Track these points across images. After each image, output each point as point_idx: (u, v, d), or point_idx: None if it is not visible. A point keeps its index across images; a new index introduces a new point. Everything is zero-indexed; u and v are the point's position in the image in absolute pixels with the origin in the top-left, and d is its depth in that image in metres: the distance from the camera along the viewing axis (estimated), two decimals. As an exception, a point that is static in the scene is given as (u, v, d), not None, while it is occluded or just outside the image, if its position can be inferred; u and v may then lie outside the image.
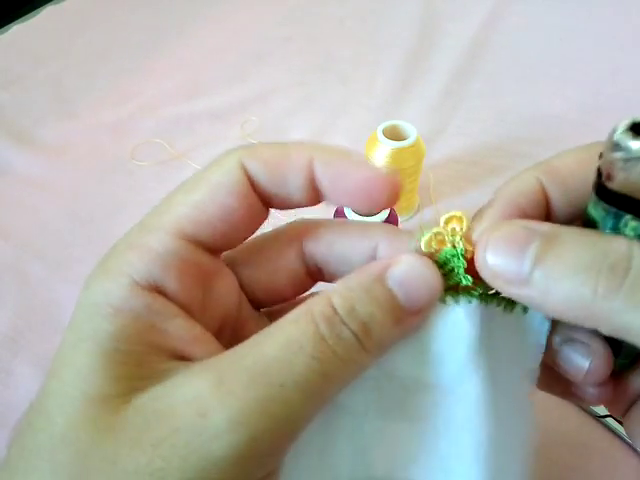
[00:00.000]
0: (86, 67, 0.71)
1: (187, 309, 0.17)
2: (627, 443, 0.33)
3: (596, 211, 0.16)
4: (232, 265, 0.20)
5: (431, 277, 0.17)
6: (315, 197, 0.19)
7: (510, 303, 0.18)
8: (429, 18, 0.76)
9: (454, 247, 0.17)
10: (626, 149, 0.14)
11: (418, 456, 0.19)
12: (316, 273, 0.21)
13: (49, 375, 0.16)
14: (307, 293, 0.22)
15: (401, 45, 0.72)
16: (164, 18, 0.81)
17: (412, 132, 0.44)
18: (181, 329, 0.17)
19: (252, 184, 0.18)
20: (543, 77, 0.66)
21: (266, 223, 0.20)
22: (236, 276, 0.20)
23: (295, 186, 0.18)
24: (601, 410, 0.34)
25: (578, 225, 0.17)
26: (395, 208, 0.41)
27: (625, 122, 0.14)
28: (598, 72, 0.66)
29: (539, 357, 0.18)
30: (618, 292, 0.13)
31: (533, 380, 0.19)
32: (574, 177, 0.17)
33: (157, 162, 0.56)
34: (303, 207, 0.19)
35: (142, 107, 0.64)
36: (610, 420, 0.34)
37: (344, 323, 0.16)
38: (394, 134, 0.45)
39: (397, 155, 0.44)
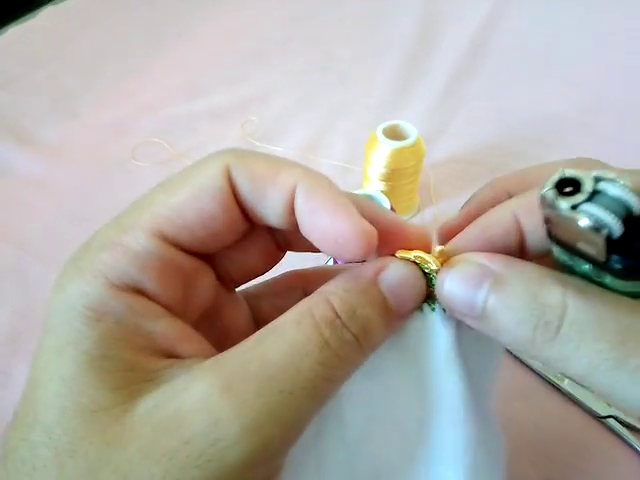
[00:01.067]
0: (86, 67, 0.71)
1: (169, 308, 0.17)
2: (628, 443, 0.33)
3: (555, 249, 0.16)
4: (208, 257, 0.20)
5: (419, 285, 0.18)
6: (293, 224, 0.18)
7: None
8: (429, 18, 0.76)
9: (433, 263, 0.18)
10: (552, 207, 0.13)
11: (401, 459, 0.19)
12: (284, 244, 0.21)
13: (31, 384, 0.16)
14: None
15: (401, 45, 0.72)
16: (164, 18, 0.81)
17: (412, 132, 0.44)
18: (167, 328, 0.16)
19: (234, 193, 0.17)
20: (543, 77, 0.66)
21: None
22: (212, 265, 0.20)
23: (274, 206, 0.17)
24: (602, 410, 0.34)
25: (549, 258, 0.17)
26: (395, 208, 0.41)
27: (553, 177, 0.13)
28: (598, 72, 0.66)
29: (498, 366, 0.20)
30: (551, 346, 0.15)
31: (493, 393, 0.20)
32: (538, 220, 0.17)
33: (157, 162, 0.56)
34: (282, 229, 0.19)
35: (142, 107, 0.64)
36: (611, 420, 0.34)
37: (345, 326, 0.16)
38: (394, 134, 0.44)
39: (397, 155, 0.44)
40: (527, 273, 0.16)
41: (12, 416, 0.16)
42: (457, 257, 0.18)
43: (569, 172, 0.13)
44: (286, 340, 0.16)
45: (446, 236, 0.20)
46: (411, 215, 0.49)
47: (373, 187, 0.46)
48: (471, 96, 0.63)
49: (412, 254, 0.18)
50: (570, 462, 0.33)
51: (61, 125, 0.62)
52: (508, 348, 0.18)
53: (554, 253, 0.16)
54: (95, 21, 0.81)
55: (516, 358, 0.37)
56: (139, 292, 0.16)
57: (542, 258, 0.18)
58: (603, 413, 0.34)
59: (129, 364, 0.15)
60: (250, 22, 0.80)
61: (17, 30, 0.78)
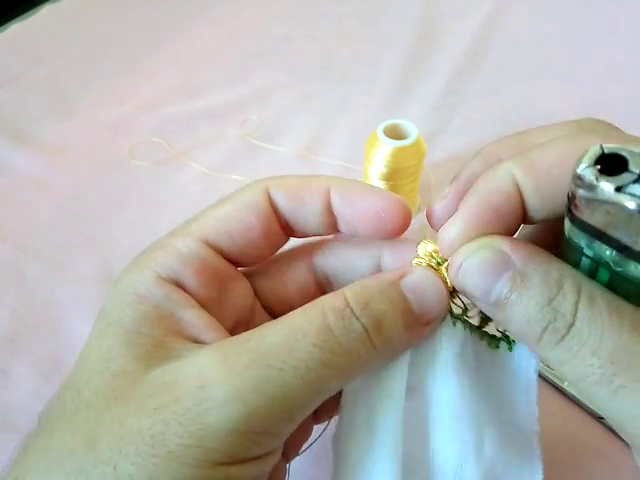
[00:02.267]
0: (85, 66, 0.71)
1: (203, 302, 0.19)
2: (628, 444, 0.33)
3: (571, 230, 0.15)
4: (248, 275, 0.22)
5: (442, 290, 0.18)
6: (331, 225, 0.21)
7: (494, 339, 0.19)
8: (430, 17, 0.76)
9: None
10: (590, 188, 0.12)
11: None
12: (325, 285, 0.23)
13: (78, 359, 0.18)
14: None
15: (402, 44, 0.71)
16: (163, 17, 0.81)
17: (413, 131, 0.44)
18: (195, 317, 0.19)
19: (274, 208, 0.20)
20: (544, 76, 0.66)
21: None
22: (252, 285, 0.22)
23: (312, 211, 0.20)
24: (603, 411, 0.34)
25: (553, 227, 0.17)
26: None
27: (591, 153, 0.12)
28: (600, 71, 0.66)
29: (533, 396, 0.20)
30: (553, 349, 0.16)
31: (534, 426, 0.20)
32: (550, 177, 0.17)
33: (156, 161, 0.56)
34: (320, 235, 0.21)
35: (141, 106, 0.64)
36: (612, 421, 0.34)
37: (355, 316, 0.16)
38: (395, 133, 0.44)
39: (398, 154, 0.43)
40: (548, 273, 0.16)
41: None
42: (479, 240, 0.17)
43: (610, 147, 0.12)
44: (287, 324, 0.17)
45: (439, 216, 0.20)
46: (412, 215, 0.49)
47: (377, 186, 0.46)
48: (472, 95, 0.63)
49: (426, 247, 0.18)
50: (570, 462, 0.33)
51: (59, 124, 0.61)
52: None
53: (567, 233, 0.15)
54: (94, 20, 0.81)
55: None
56: (179, 285, 0.19)
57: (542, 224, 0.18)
58: (604, 414, 0.34)
59: (157, 341, 0.17)
60: (250, 20, 0.79)
61: (16, 28, 0.78)
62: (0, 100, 0.65)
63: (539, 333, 0.16)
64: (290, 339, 0.16)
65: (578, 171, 0.12)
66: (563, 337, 0.15)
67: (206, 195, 0.52)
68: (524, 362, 0.19)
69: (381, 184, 0.46)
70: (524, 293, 0.16)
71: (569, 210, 0.14)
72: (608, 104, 0.61)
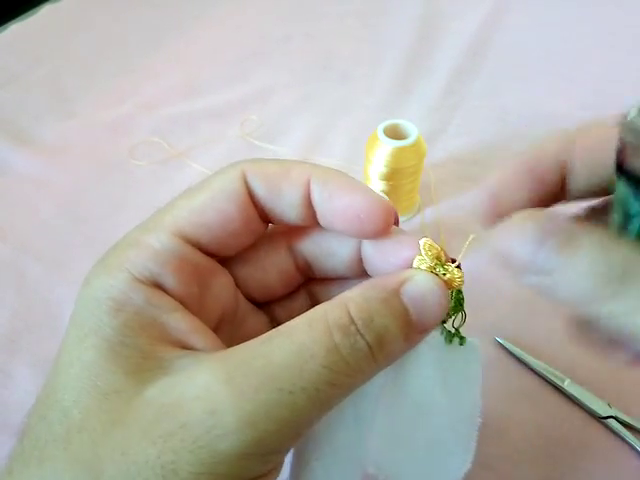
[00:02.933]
0: (84, 66, 0.71)
1: (184, 303, 0.18)
2: (628, 443, 0.33)
3: (620, 188, 0.15)
4: (227, 265, 0.21)
5: (444, 300, 0.17)
6: (311, 217, 0.19)
7: (449, 334, 0.19)
8: (430, 17, 0.76)
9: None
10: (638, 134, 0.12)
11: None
12: (305, 269, 0.22)
13: (54, 371, 0.17)
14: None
15: (402, 44, 0.71)
16: (163, 17, 0.81)
17: (413, 131, 0.44)
18: (180, 321, 0.17)
19: (251, 195, 0.19)
20: (544, 76, 0.66)
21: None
22: (231, 275, 0.21)
23: (290, 201, 0.19)
24: (603, 411, 0.34)
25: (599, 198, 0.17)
26: (396, 208, 0.41)
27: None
28: (600, 70, 0.66)
29: (478, 388, 0.20)
30: (613, 300, 0.15)
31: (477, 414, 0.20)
32: (594, 157, 0.17)
33: (156, 161, 0.56)
34: (299, 226, 0.20)
35: (141, 106, 0.64)
36: (611, 421, 0.34)
37: (360, 334, 0.16)
38: (395, 133, 0.44)
39: (398, 154, 0.43)
40: (592, 233, 0.16)
41: (35, 401, 0.17)
42: (521, 214, 0.17)
43: None
44: (294, 341, 0.16)
45: (500, 193, 0.19)
46: (411, 215, 0.49)
47: (373, 186, 0.46)
48: (472, 95, 0.63)
49: (425, 244, 0.18)
50: (570, 462, 0.33)
51: (59, 124, 0.61)
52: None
53: (618, 189, 0.15)
54: (94, 20, 0.81)
55: (517, 360, 0.37)
56: (157, 286, 0.18)
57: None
58: (604, 414, 0.34)
59: (144, 352, 0.16)
60: (250, 20, 0.79)
61: (16, 28, 0.78)
62: (0, 100, 0.65)
63: (596, 289, 0.15)
64: (299, 360, 0.15)
65: (629, 118, 0.13)
66: (621, 287, 0.15)
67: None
68: (471, 356, 0.20)
69: (381, 184, 0.46)
70: (573, 253, 0.15)
71: (618, 166, 0.14)
72: (608, 104, 0.60)
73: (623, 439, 0.33)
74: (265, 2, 0.83)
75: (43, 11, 0.81)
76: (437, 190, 0.51)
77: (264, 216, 0.20)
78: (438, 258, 0.18)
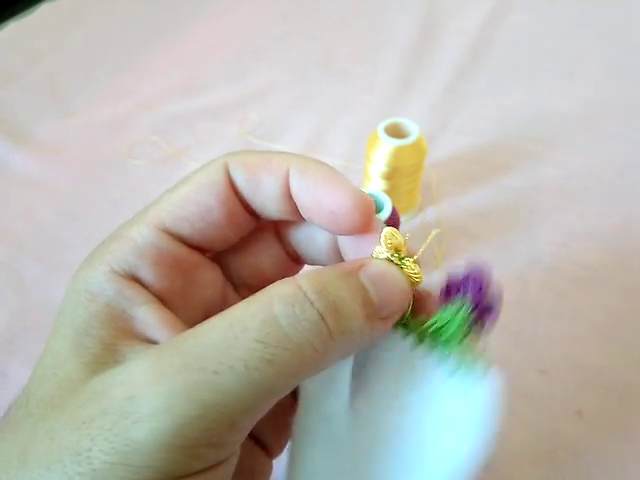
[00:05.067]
0: (82, 65, 0.71)
1: (162, 297, 0.18)
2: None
3: None
4: (217, 256, 0.20)
5: (403, 282, 0.16)
6: (293, 210, 0.18)
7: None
8: (431, 15, 0.76)
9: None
10: None
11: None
12: (296, 257, 0.21)
13: (36, 362, 0.17)
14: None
15: (403, 42, 0.71)
16: (161, 15, 0.80)
17: (414, 130, 0.44)
18: (148, 314, 0.17)
19: (234, 188, 0.18)
20: (546, 75, 0.65)
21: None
22: (222, 267, 0.20)
23: (270, 195, 0.18)
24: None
25: None
26: (397, 207, 0.41)
27: None
28: (601, 69, 0.65)
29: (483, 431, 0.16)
30: None
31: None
32: None
33: (154, 160, 0.56)
34: (281, 219, 0.19)
35: (139, 105, 0.63)
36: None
37: (310, 301, 0.14)
38: (396, 132, 0.44)
39: (399, 153, 0.43)
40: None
41: None
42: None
43: None
44: (227, 318, 0.15)
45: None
46: (412, 214, 0.49)
47: (374, 186, 0.46)
48: (473, 94, 0.63)
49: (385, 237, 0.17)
50: (570, 463, 0.33)
51: (58, 123, 0.61)
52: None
53: None
54: (92, 18, 0.80)
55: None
56: (135, 279, 0.17)
57: None
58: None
59: (105, 343, 0.16)
60: (249, 18, 0.79)
61: (15, 27, 0.77)
62: (-2, 99, 0.65)
63: None
64: (228, 335, 0.14)
65: None
66: None
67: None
68: (481, 388, 0.16)
69: (382, 183, 0.45)
70: None
71: None
72: (609, 102, 0.60)
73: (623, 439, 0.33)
74: (264, 0, 0.83)
75: (41, 10, 0.81)
76: (438, 189, 0.51)
77: (251, 210, 0.19)
78: (397, 250, 0.17)
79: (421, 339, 0.17)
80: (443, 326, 0.16)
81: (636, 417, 0.34)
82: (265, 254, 0.21)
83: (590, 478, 0.32)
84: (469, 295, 0.16)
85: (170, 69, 0.69)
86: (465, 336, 0.16)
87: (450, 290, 0.17)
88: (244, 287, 0.21)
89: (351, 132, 0.58)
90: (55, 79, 0.68)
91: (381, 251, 0.17)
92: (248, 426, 0.15)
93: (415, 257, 0.17)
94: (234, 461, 0.16)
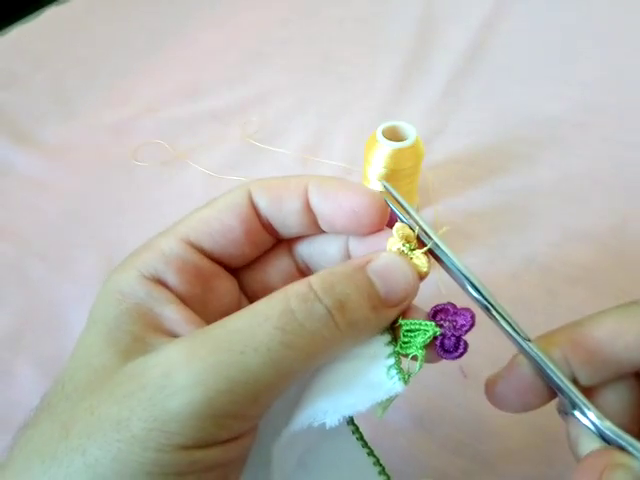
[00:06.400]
0: (87, 68, 0.72)
1: (185, 299, 0.20)
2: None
3: None
4: (234, 271, 0.23)
5: (408, 271, 0.19)
6: (312, 223, 0.21)
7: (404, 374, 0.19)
8: (428, 19, 0.77)
9: None
10: None
11: None
12: (306, 271, 0.23)
13: (70, 356, 0.19)
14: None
15: (400, 46, 0.72)
16: (165, 19, 0.81)
17: (411, 133, 0.44)
18: (174, 312, 0.19)
19: (256, 210, 0.21)
20: (542, 78, 0.66)
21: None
22: (238, 280, 0.23)
23: (291, 210, 0.21)
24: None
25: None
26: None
27: None
28: (597, 72, 0.66)
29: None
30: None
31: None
32: (600, 350, 0.19)
33: (158, 163, 0.57)
34: (299, 234, 0.22)
35: (143, 108, 0.64)
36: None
37: (318, 298, 0.17)
38: (393, 135, 0.45)
39: (396, 156, 0.44)
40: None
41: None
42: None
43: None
44: (251, 310, 0.17)
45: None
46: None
47: (372, 188, 0.47)
48: (470, 97, 0.64)
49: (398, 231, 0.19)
50: (570, 462, 0.33)
51: (62, 126, 0.62)
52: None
53: None
54: (96, 22, 0.81)
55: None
56: (161, 283, 0.20)
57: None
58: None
59: (136, 337, 0.18)
60: (250, 23, 0.80)
61: (20, 30, 0.78)
62: (3, 102, 0.66)
63: None
64: (252, 323, 0.16)
65: None
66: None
67: (207, 196, 0.51)
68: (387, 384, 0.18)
69: (380, 185, 0.46)
70: None
71: None
72: (606, 106, 0.61)
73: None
74: (265, 5, 0.84)
75: (46, 13, 0.82)
76: (435, 191, 0.51)
77: (270, 230, 0.22)
78: (408, 240, 0.19)
79: (393, 333, 0.19)
80: (415, 331, 0.19)
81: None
82: (277, 270, 0.23)
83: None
84: (450, 324, 0.19)
85: (173, 73, 0.70)
86: (421, 348, 0.18)
87: (438, 312, 0.19)
88: (257, 299, 0.23)
89: (350, 135, 0.59)
90: (60, 82, 0.69)
91: (394, 242, 0.19)
92: (268, 403, 0.17)
93: (425, 249, 0.19)
94: (254, 435, 0.18)
